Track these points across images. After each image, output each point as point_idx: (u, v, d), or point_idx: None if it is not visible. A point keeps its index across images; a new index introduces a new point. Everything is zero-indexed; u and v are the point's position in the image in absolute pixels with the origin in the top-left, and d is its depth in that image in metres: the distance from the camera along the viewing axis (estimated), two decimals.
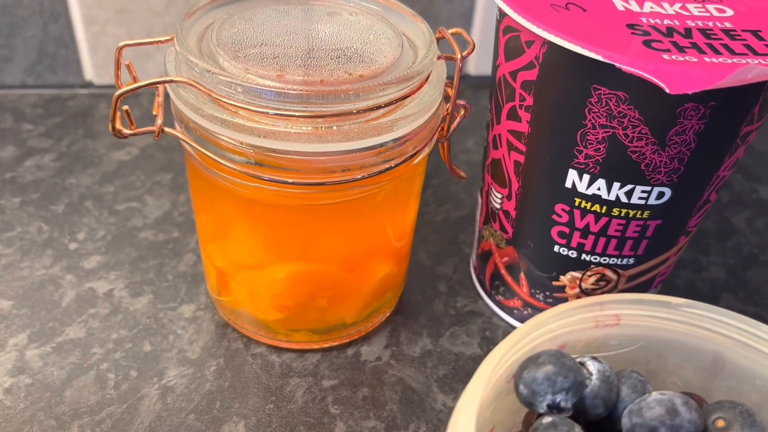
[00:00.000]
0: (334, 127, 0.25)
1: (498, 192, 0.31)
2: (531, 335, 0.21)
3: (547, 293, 0.32)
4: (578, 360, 0.22)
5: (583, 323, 0.22)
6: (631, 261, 0.30)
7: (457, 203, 0.42)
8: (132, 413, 0.29)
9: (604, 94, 0.25)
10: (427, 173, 0.44)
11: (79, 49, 0.48)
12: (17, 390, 0.30)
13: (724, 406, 0.21)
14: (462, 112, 0.30)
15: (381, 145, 0.26)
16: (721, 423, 0.20)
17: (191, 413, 0.29)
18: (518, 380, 0.20)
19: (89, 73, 0.49)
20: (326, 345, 0.32)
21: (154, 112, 0.27)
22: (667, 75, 0.23)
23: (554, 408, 0.20)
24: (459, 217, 0.41)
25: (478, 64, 0.53)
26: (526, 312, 0.33)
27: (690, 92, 0.22)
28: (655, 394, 0.20)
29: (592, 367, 0.21)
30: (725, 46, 0.25)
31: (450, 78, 0.29)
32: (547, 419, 0.20)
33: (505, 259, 0.33)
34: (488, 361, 0.20)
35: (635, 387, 0.22)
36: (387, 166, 0.27)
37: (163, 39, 0.28)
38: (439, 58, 0.28)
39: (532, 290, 0.32)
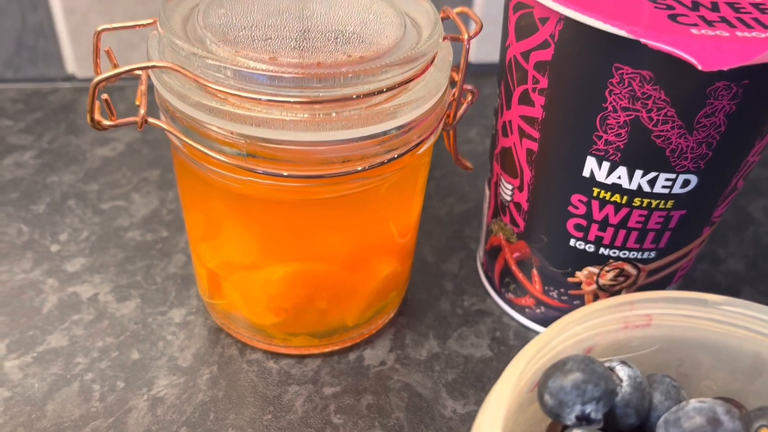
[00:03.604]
0: (333, 114, 0.23)
1: (508, 183, 0.29)
2: (557, 339, 0.19)
3: (562, 290, 0.30)
4: (607, 365, 0.20)
5: (612, 324, 0.20)
6: (653, 254, 0.28)
7: (461, 196, 0.40)
8: (119, 427, 0.27)
9: (627, 74, 0.23)
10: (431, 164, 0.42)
11: (60, 41, 0.45)
12: None
13: None
14: (469, 98, 0.28)
15: (384, 133, 0.24)
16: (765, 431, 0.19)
17: (183, 426, 0.27)
18: (543, 389, 0.18)
19: (71, 65, 0.47)
20: (327, 349, 0.30)
21: (137, 102, 0.25)
22: (699, 51, 0.21)
23: (583, 420, 0.18)
24: (464, 211, 0.39)
25: (480, 49, 0.51)
26: (538, 311, 0.31)
27: (725, 68, 0.20)
28: (693, 402, 0.19)
29: (622, 372, 0.19)
30: (756, 20, 0.23)
31: (455, 62, 0.27)
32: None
33: (516, 254, 0.31)
34: (511, 369, 0.18)
35: (668, 393, 0.20)
36: (390, 156, 0.25)
37: (145, 22, 0.26)
38: (444, 38, 0.26)
39: (546, 287, 0.30)
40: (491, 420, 0.16)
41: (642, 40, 0.21)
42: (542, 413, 0.19)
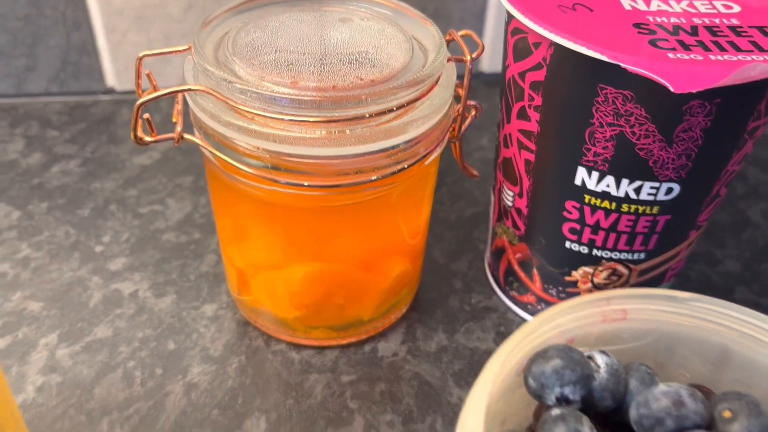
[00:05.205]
0: (347, 131, 0.25)
1: (510, 190, 0.32)
2: (539, 330, 0.21)
3: (560, 288, 0.32)
4: (586, 354, 0.22)
5: (591, 318, 0.22)
6: (642, 256, 0.30)
7: (471, 200, 0.43)
8: (158, 409, 0.30)
9: (611, 94, 0.25)
10: (442, 171, 0.45)
11: (100, 57, 0.49)
12: (49, 388, 0.31)
13: (730, 397, 0.21)
14: (473, 113, 0.31)
15: (393, 147, 0.26)
16: (727, 413, 0.21)
17: (215, 409, 0.30)
18: (527, 374, 0.21)
19: (111, 79, 0.50)
20: (344, 341, 0.33)
21: (174, 119, 0.29)
22: (672, 74, 0.23)
23: (562, 400, 0.21)
24: (473, 214, 0.42)
25: (492, 61, 0.53)
26: (539, 307, 0.34)
27: (694, 91, 0.22)
28: (661, 386, 0.21)
29: (600, 360, 0.22)
30: (731, 43, 0.25)
31: (461, 78, 0.29)
32: (555, 411, 0.20)
33: (518, 255, 0.33)
34: (498, 355, 0.20)
35: (643, 379, 0.22)
36: (399, 167, 0.27)
37: (181, 48, 0.29)
38: (448, 60, 0.29)
39: (545, 286, 0.33)
40: (478, 396, 0.19)
41: (621, 64, 0.23)
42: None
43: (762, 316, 0.22)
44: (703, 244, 0.40)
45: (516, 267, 0.34)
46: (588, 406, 0.22)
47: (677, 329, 0.23)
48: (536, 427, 0.22)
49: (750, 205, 0.43)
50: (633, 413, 0.21)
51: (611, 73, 0.25)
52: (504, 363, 0.20)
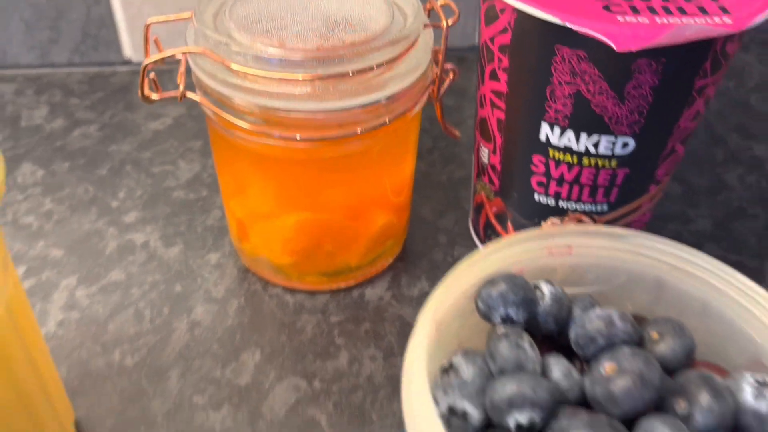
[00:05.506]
0: (331, 88, 0.28)
1: (485, 148, 0.35)
2: (487, 260, 0.24)
3: None
4: (533, 283, 0.25)
5: (537, 251, 0.25)
6: (605, 207, 0.33)
7: (460, 163, 0.45)
8: (165, 342, 0.34)
9: (567, 54, 0.28)
10: (435, 136, 0.48)
11: (118, 30, 0.52)
12: (68, 323, 0.35)
13: (659, 322, 0.24)
14: (451, 76, 0.33)
15: (374, 102, 0.29)
16: (655, 335, 0.24)
17: (215, 343, 0.34)
18: (477, 298, 0.24)
19: (128, 51, 0.54)
20: (334, 287, 0.36)
21: (178, 81, 0.32)
22: (616, 34, 0.26)
23: (507, 320, 0.24)
24: (462, 177, 0.44)
25: None
26: None
27: (634, 49, 0.25)
28: (597, 310, 0.24)
29: (545, 288, 0.25)
30: (679, 8, 0.27)
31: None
32: (500, 330, 0.23)
33: (495, 209, 0.36)
34: (443, 283, 0.23)
35: (585, 307, 0.25)
36: (381, 121, 0.30)
37: (184, 15, 0.32)
38: (426, 26, 0.32)
39: None
40: (424, 318, 0.22)
41: (569, 24, 0.26)
42: None
43: (691, 249, 0.25)
44: (678, 205, 0.42)
45: (493, 220, 0.37)
46: (534, 329, 0.25)
47: (618, 264, 0.26)
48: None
49: (728, 170, 0.45)
50: (571, 334, 0.24)
51: (566, 36, 0.27)
52: (450, 289, 0.23)
